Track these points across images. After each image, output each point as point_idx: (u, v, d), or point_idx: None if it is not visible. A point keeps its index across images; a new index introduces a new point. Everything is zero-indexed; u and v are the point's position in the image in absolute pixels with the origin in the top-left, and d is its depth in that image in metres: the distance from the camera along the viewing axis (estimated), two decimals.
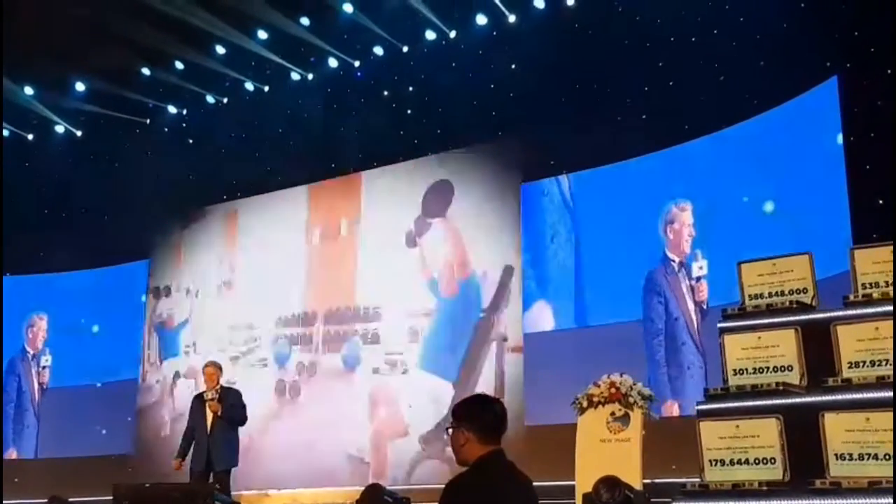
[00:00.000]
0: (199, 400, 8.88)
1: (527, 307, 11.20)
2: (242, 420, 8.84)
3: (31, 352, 14.73)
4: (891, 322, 4.90)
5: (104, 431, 13.73)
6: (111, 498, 7.96)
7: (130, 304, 14.32)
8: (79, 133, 15.14)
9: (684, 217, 10.25)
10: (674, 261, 10.25)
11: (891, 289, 5.09)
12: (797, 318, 5.25)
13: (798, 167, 9.33)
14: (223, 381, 9.03)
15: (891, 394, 4.70)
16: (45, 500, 9.61)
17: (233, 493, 8.76)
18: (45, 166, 14.96)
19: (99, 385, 14.05)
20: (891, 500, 4.42)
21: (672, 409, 9.83)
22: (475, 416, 3.56)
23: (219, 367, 9.07)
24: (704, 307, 9.86)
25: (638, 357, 10.02)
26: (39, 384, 14.54)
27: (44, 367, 14.57)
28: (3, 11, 11.57)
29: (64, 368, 14.46)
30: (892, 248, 5.17)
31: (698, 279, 9.99)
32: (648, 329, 10.28)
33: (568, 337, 10.86)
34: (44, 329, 14.79)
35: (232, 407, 8.69)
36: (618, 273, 10.57)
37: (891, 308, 4.99)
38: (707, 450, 5.08)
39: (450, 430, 3.59)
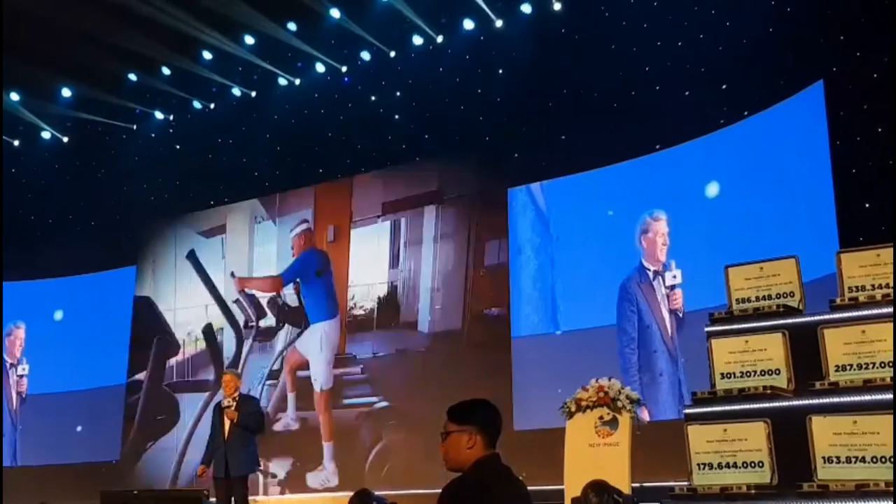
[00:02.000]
0: (218, 408, 8.93)
1: (514, 312, 11.20)
2: (258, 428, 8.88)
3: (10, 361, 14.65)
4: (878, 325, 4.91)
5: (89, 439, 13.66)
6: None
7: (118, 309, 14.26)
8: (65, 139, 15.09)
9: (658, 227, 10.34)
10: (649, 269, 10.33)
11: (877, 292, 5.11)
12: (784, 321, 5.25)
13: (785, 171, 9.38)
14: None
15: (878, 396, 4.72)
16: None
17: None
18: (31, 172, 14.91)
19: (85, 391, 13.99)
20: (879, 503, 4.43)
21: (642, 414, 9.88)
22: (482, 418, 3.49)
23: (237, 376, 9.21)
24: (680, 315, 9.96)
25: (608, 362, 10.12)
26: (18, 393, 14.45)
27: (21, 376, 14.49)
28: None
29: (50, 375, 14.38)
30: (877, 251, 5.19)
31: (672, 287, 10.11)
32: (621, 337, 10.39)
33: (554, 341, 10.87)
34: (21, 338, 14.70)
35: (249, 415, 8.72)
36: (597, 280, 10.65)
37: (877, 311, 5.01)
38: (695, 453, 5.08)
39: (449, 433, 3.50)
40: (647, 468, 7.72)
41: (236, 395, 8.78)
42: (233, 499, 8.47)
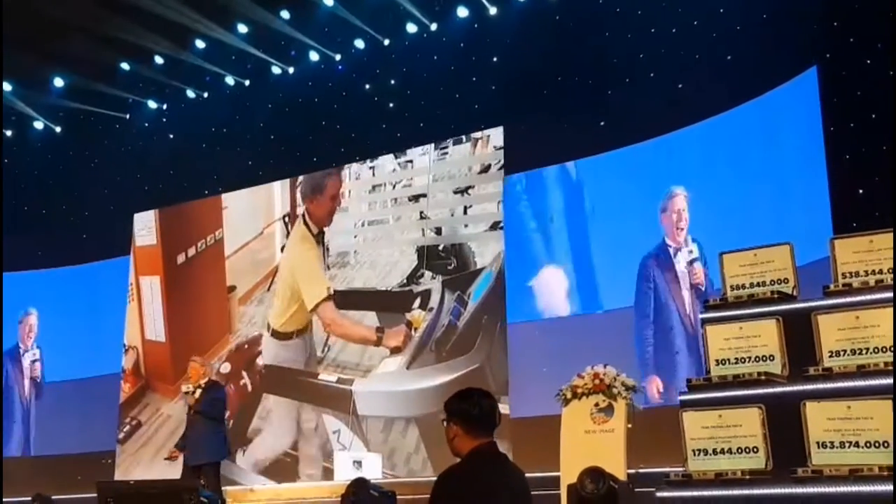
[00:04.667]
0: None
1: (510, 296, 11.21)
2: (216, 415, 8.93)
3: (23, 348, 14.67)
4: (871, 311, 4.94)
5: (85, 428, 13.67)
6: (96, 496, 7.94)
7: (113, 299, 14.25)
8: (58, 129, 15.06)
9: (673, 203, 10.33)
10: (670, 246, 10.34)
11: (870, 278, 5.14)
12: (778, 308, 5.29)
13: (779, 157, 9.39)
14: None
15: (872, 382, 4.75)
16: (28, 499, 9.58)
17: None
18: (24, 163, 14.87)
19: (80, 380, 14.01)
20: (872, 488, 4.46)
21: (654, 383, 9.97)
22: (462, 410, 3.61)
23: (201, 363, 9.23)
24: (702, 288, 9.92)
25: (627, 344, 10.17)
26: (31, 378, 14.48)
27: (33, 362, 14.51)
28: None
29: (50, 365, 14.40)
30: (870, 237, 5.22)
31: (691, 262, 10.11)
32: (638, 314, 10.38)
33: (554, 326, 10.89)
34: (31, 324, 14.72)
35: (207, 402, 8.81)
36: (616, 260, 10.64)
37: (871, 297, 5.04)
38: (690, 439, 5.11)
39: (444, 424, 3.66)
40: (646, 453, 7.75)
41: (202, 381, 8.89)
42: None
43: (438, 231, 11.86)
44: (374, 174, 12.58)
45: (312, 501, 10.79)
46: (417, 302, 11.62)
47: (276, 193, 13.33)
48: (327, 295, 12.25)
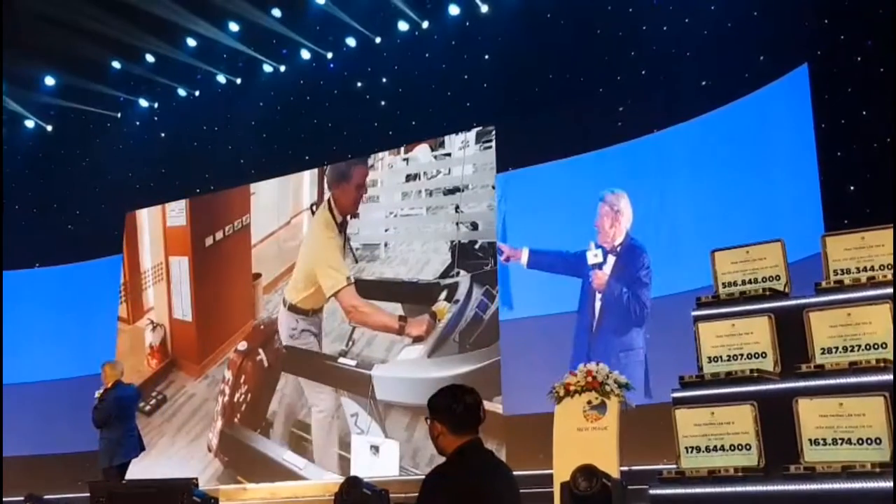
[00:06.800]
0: None
1: (503, 295, 11.21)
2: (93, 421, 9.17)
3: None
4: (863, 307, 4.96)
5: (75, 428, 13.58)
6: (88, 495, 7.93)
7: (104, 298, 14.21)
8: (49, 128, 15.01)
9: (600, 209, 10.54)
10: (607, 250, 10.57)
11: (862, 275, 5.15)
12: (770, 305, 5.28)
13: (770, 154, 9.42)
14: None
15: (864, 378, 4.76)
16: (20, 499, 9.57)
17: (210, 487, 8.80)
18: (15, 161, 14.82)
19: (72, 379, 13.92)
20: (865, 485, 4.47)
21: None
22: (446, 408, 3.60)
23: (109, 366, 9.47)
24: (600, 292, 10.37)
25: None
26: None
27: None
28: None
29: (34, 364, 14.31)
30: (862, 234, 5.23)
31: (592, 268, 10.42)
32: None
33: (541, 325, 10.90)
34: None
35: (93, 409, 9.14)
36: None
37: (863, 294, 5.05)
38: (683, 437, 5.12)
39: (427, 421, 3.64)
40: (639, 450, 7.77)
41: (109, 384, 9.18)
42: None
43: (475, 226, 11.68)
44: (407, 164, 12.38)
45: (306, 500, 10.78)
46: (444, 294, 11.54)
47: (305, 182, 13.17)
48: (346, 283, 12.18)
